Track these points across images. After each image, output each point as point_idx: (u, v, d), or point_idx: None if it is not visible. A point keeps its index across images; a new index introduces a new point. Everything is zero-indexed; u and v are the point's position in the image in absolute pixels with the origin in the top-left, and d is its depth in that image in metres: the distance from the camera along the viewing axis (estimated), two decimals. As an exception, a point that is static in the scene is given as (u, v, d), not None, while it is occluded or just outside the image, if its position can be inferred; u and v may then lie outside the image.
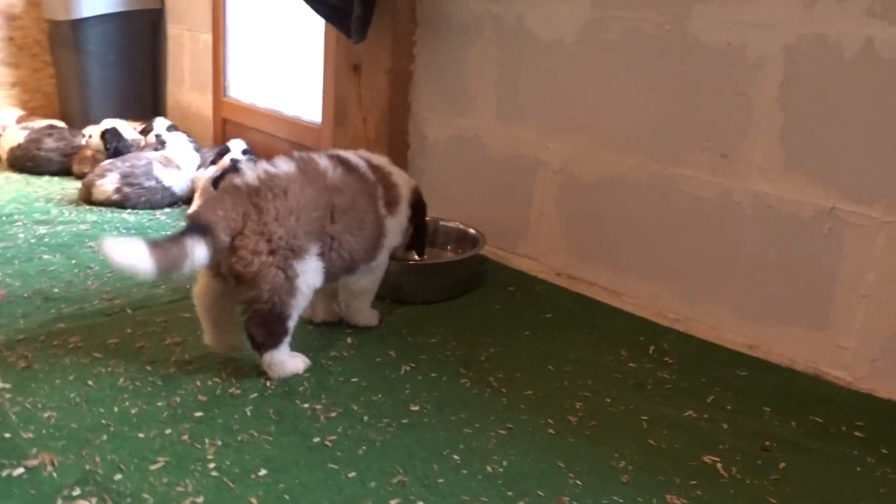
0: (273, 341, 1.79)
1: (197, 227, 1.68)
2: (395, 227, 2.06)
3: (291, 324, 1.81)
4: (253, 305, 1.76)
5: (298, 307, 1.81)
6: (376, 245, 1.99)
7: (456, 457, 1.55)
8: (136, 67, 4.58)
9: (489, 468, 1.52)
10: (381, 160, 2.11)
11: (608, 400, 1.81)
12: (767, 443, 1.66)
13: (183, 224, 1.75)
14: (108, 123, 4.05)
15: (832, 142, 1.83)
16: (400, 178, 2.11)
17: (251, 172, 1.82)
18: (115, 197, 3.48)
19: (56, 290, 2.45)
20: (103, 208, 3.47)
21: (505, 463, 1.54)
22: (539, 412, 1.74)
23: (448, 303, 2.34)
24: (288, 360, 1.84)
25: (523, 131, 2.54)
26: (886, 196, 1.75)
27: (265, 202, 1.75)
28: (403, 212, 2.09)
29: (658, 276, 2.23)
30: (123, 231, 3.14)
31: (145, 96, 4.72)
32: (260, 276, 1.72)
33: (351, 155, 2.04)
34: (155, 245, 1.61)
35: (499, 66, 2.58)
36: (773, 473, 1.55)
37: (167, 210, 3.52)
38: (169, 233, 1.72)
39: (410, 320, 2.20)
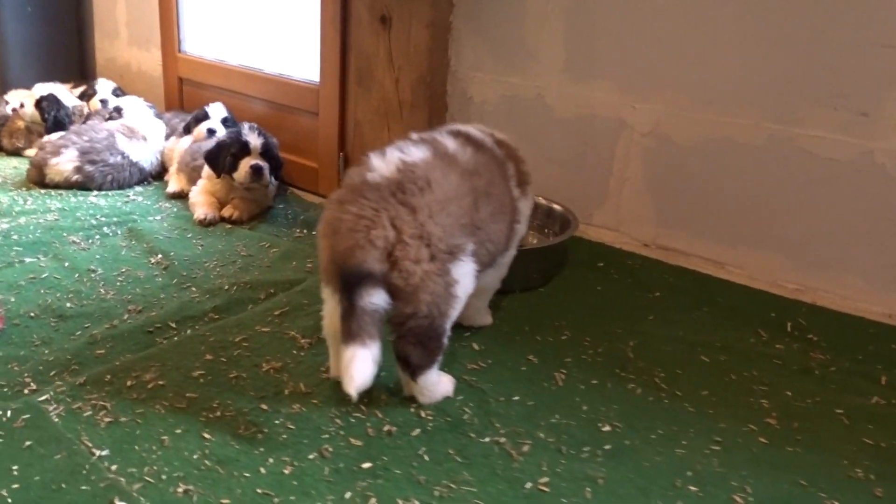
0: (430, 361, 1.50)
1: (355, 277, 1.38)
2: (527, 210, 1.80)
3: (447, 339, 1.53)
4: (408, 322, 1.45)
5: (454, 319, 1.53)
6: (511, 232, 1.72)
7: (692, 487, 1.35)
8: (58, 20, 3.93)
9: (738, 498, 1.33)
10: (505, 135, 1.82)
11: (789, 393, 1.66)
12: (975, 427, 1.56)
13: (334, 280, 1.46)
14: (42, 89, 3.46)
15: None
16: None
17: (383, 163, 1.49)
18: (76, 177, 2.97)
19: (68, 305, 2.04)
20: (63, 191, 2.95)
21: (748, 489, 1.36)
22: (734, 417, 1.57)
23: (547, 288, 2.10)
24: (439, 382, 1.56)
25: (601, 90, 2.29)
26: None
27: (415, 198, 1.44)
28: (531, 193, 1.82)
29: (773, 245, 2.08)
30: (103, 220, 2.67)
31: (70, 53, 4.07)
32: (421, 288, 1.42)
33: (473, 130, 1.74)
34: (357, 337, 1.37)
35: (567, 14, 2.29)
36: None
37: (139, 189, 3.05)
38: (342, 310, 1.42)
39: (523, 314, 1.96)
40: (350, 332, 1.37)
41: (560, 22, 2.31)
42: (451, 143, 1.61)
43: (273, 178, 2.80)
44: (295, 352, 1.76)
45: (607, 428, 1.51)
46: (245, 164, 2.71)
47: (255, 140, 2.75)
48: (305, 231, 2.71)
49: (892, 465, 1.44)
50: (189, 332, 1.89)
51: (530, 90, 2.42)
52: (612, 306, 2.03)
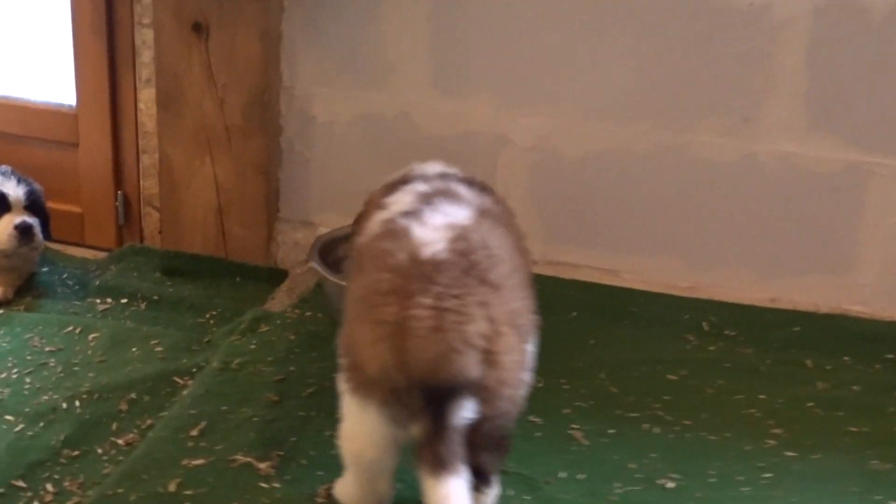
0: (502, 465, 1.23)
1: (451, 391, 1.05)
2: None
3: None
4: (485, 426, 1.14)
5: None
6: None
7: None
8: None
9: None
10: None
11: (762, 397, 1.71)
12: (901, 393, 1.77)
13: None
14: None
15: (857, 100, 1.94)
16: None
17: (432, 232, 1.16)
18: None
19: None
20: None
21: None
22: (748, 436, 1.57)
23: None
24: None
25: (478, 104, 2.11)
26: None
27: (491, 272, 1.14)
28: None
29: (665, 248, 2.13)
30: None
31: None
32: (508, 382, 1.13)
33: (447, 169, 1.46)
34: (451, 465, 1.06)
35: (434, 23, 2.07)
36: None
37: None
38: (424, 434, 1.07)
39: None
40: (441, 461, 1.05)
41: (424, 29, 2.08)
42: (464, 191, 1.32)
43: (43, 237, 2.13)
44: (265, 485, 1.31)
45: (671, 484, 1.40)
46: (7, 224, 2.03)
47: (14, 190, 2.08)
48: (110, 300, 2.11)
49: (890, 449, 1.55)
50: (62, 489, 1.32)
51: (392, 107, 2.15)
52: (550, 338, 1.87)
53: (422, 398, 1.05)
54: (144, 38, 2.18)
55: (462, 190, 1.32)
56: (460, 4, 2.04)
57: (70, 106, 2.37)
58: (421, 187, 1.31)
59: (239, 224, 2.22)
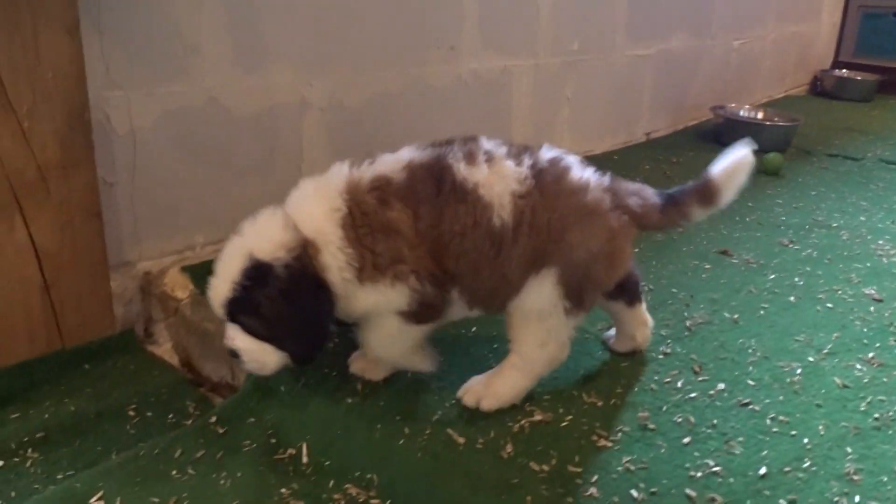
0: None
1: None
2: None
3: None
4: None
5: None
6: None
7: None
8: None
9: None
10: None
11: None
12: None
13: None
14: None
15: (501, 21, 2.69)
16: None
17: (586, 172, 1.39)
18: None
19: None
20: None
21: None
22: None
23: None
24: None
25: (279, 74, 2.01)
26: (528, 49, 2.82)
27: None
28: None
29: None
30: None
31: None
32: None
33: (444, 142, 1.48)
34: None
35: (226, -7, 1.86)
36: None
37: None
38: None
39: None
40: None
41: (220, 5, 1.86)
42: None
43: None
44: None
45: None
46: None
47: None
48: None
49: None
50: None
51: (199, 95, 1.87)
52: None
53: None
54: None
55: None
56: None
57: None
58: (500, 149, 1.38)
59: (75, 295, 1.65)
